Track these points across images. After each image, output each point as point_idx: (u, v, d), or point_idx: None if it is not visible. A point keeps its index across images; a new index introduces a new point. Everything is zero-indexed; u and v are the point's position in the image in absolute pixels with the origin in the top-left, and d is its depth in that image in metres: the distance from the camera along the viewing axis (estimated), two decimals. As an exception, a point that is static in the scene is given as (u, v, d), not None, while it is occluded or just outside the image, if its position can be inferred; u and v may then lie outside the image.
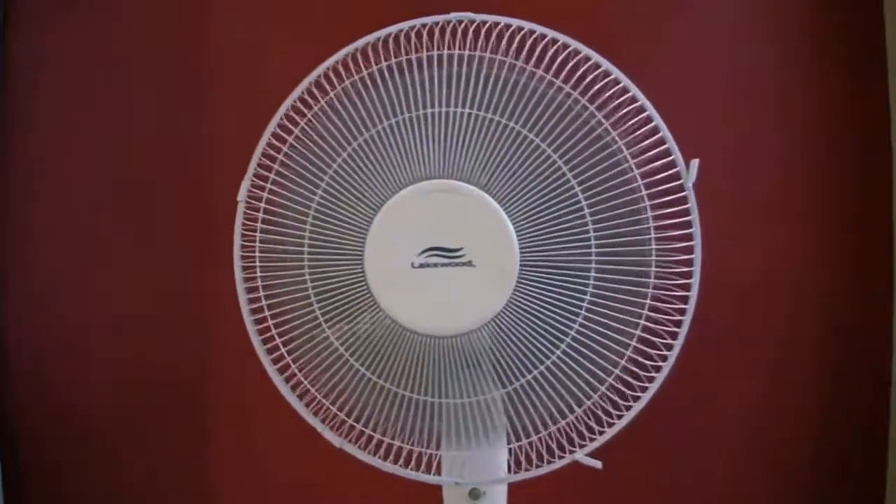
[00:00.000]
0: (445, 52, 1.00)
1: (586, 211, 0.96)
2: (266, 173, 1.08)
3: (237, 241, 1.07)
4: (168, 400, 1.82)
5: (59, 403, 1.86)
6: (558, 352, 0.98)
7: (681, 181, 0.98)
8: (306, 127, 1.04)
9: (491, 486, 1.09)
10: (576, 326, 0.98)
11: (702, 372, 1.65)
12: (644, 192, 0.97)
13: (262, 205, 1.07)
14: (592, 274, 0.96)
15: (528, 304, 0.97)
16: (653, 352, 1.00)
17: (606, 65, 0.98)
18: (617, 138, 0.97)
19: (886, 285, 1.64)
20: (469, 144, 0.97)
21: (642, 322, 0.99)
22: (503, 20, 1.00)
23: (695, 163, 0.97)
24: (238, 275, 1.07)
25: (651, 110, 0.98)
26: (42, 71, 1.84)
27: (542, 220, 0.97)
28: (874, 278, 1.65)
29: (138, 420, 1.84)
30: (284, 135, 1.07)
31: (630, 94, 0.98)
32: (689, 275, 0.99)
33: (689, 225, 0.98)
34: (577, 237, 0.96)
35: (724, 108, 1.66)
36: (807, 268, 1.66)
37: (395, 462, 1.06)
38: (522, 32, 0.99)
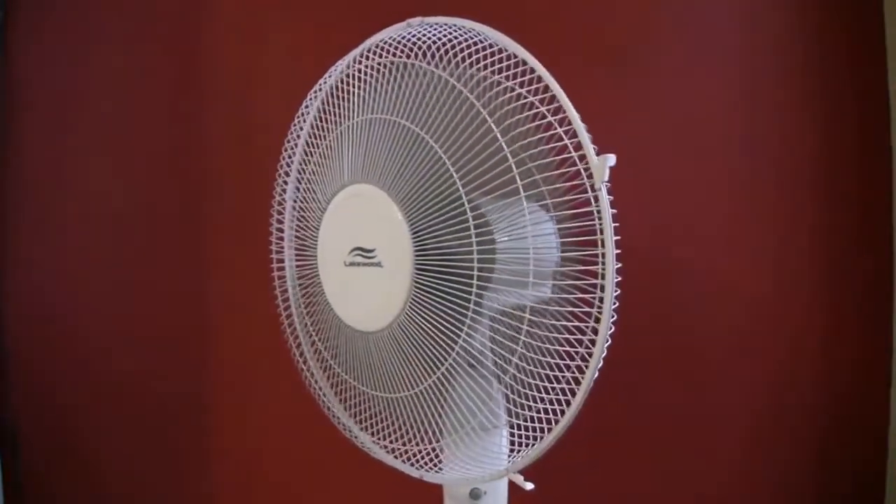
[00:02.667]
0: (398, 59, 1.06)
1: (469, 214, 0.97)
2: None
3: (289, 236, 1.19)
4: (167, 401, 1.87)
5: (59, 405, 1.91)
6: (451, 358, 1.01)
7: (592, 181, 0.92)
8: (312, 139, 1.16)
9: (491, 485, 1.13)
10: (462, 335, 1.00)
11: (701, 374, 1.68)
12: (522, 193, 0.96)
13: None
14: (475, 281, 0.97)
15: (424, 307, 1.00)
16: (570, 363, 0.97)
17: (522, 52, 0.97)
18: (500, 138, 0.96)
19: (887, 286, 1.65)
20: (382, 148, 1.03)
21: (525, 327, 0.98)
22: (454, 22, 1.05)
23: (607, 159, 0.91)
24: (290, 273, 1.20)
25: (565, 102, 0.93)
26: (42, 71, 1.90)
27: (433, 221, 0.99)
28: (875, 279, 1.67)
29: (138, 422, 1.90)
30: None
31: (543, 83, 0.95)
32: (594, 287, 0.94)
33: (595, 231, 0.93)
34: (462, 239, 0.97)
35: (724, 109, 1.70)
36: (807, 269, 1.69)
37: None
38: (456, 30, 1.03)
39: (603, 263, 0.93)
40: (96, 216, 1.92)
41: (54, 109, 1.91)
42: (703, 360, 1.66)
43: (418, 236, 1.00)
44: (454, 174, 0.98)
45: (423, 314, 1.00)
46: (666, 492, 1.71)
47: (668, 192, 1.59)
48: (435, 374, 1.02)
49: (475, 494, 1.14)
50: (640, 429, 1.63)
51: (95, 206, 1.92)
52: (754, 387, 1.68)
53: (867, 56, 1.62)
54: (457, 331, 0.99)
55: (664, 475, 1.70)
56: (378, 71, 1.07)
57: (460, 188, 0.97)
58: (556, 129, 0.93)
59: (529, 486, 1.02)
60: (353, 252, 1.05)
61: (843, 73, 1.63)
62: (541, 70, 0.96)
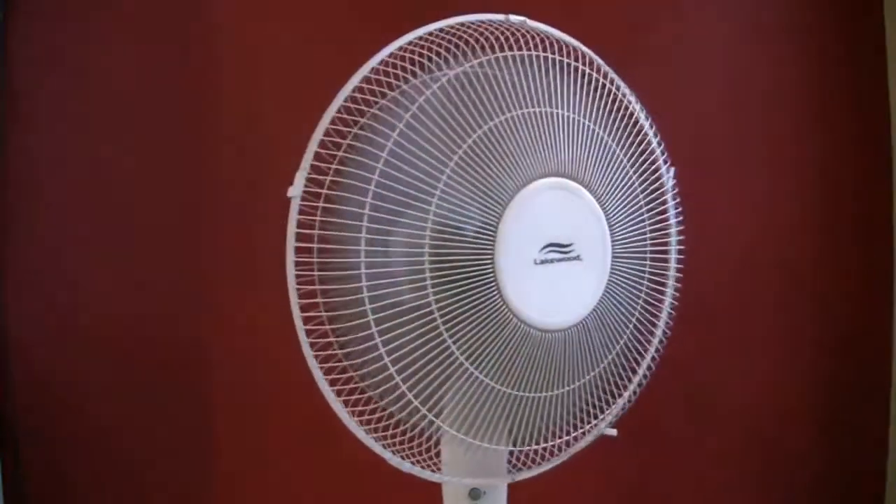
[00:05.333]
0: (525, 52, 1.09)
1: (643, 207, 1.14)
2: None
3: (291, 241, 1.00)
4: (168, 401, 1.94)
5: (58, 403, 1.94)
6: (627, 332, 1.14)
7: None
8: (412, 121, 1.02)
9: (494, 485, 1.16)
10: (638, 306, 1.16)
11: (701, 373, 1.77)
12: (671, 193, 1.18)
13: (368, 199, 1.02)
14: (648, 259, 1.15)
15: (615, 290, 1.12)
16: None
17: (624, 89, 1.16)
18: (662, 150, 1.18)
19: (887, 286, 1.78)
20: (570, 145, 1.07)
21: (669, 293, 1.20)
22: (554, 33, 1.12)
23: (672, 170, 1.18)
24: (291, 282, 1.00)
25: (645, 124, 1.17)
26: (42, 71, 1.93)
27: (623, 213, 1.12)
28: (875, 279, 1.79)
29: (138, 421, 1.95)
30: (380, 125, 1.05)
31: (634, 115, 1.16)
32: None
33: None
34: (640, 228, 1.14)
35: (726, 110, 1.79)
36: (808, 269, 1.79)
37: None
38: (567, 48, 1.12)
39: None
40: (97, 214, 1.92)
41: (55, 109, 1.95)
42: (703, 359, 1.75)
43: (612, 227, 1.11)
44: (635, 182, 1.14)
45: (614, 298, 1.12)
46: (663, 491, 1.78)
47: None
48: (607, 358, 1.13)
49: (475, 495, 1.17)
50: (635, 433, 1.67)
51: (96, 205, 1.90)
52: (754, 387, 1.78)
53: (867, 56, 1.74)
54: (632, 308, 1.14)
55: (662, 474, 1.79)
56: (533, 61, 1.09)
57: (641, 199, 1.15)
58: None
59: (614, 432, 1.17)
60: (547, 249, 1.05)
61: (843, 73, 1.75)
62: (624, 88, 1.17)
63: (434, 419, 1.04)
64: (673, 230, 1.19)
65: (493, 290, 1.02)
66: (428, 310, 1.00)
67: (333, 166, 1.01)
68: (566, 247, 1.07)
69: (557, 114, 1.07)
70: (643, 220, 1.14)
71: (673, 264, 1.19)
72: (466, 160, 1.01)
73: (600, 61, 1.14)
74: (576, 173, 1.07)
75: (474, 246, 1.01)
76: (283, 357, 1.71)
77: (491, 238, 1.01)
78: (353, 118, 1.02)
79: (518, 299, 1.03)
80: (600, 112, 1.11)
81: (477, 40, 1.06)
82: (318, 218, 1.01)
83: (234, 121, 1.90)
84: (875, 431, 1.80)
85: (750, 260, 1.81)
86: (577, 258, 1.07)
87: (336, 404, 1.02)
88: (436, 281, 1.00)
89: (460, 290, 1.00)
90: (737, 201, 1.81)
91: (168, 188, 1.91)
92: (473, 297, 1.01)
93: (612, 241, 1.11)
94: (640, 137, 1.15)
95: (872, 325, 1.80)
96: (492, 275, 1.02)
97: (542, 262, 1.05)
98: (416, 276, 1.00)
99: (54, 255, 1.94)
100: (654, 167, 1.16)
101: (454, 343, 1.01)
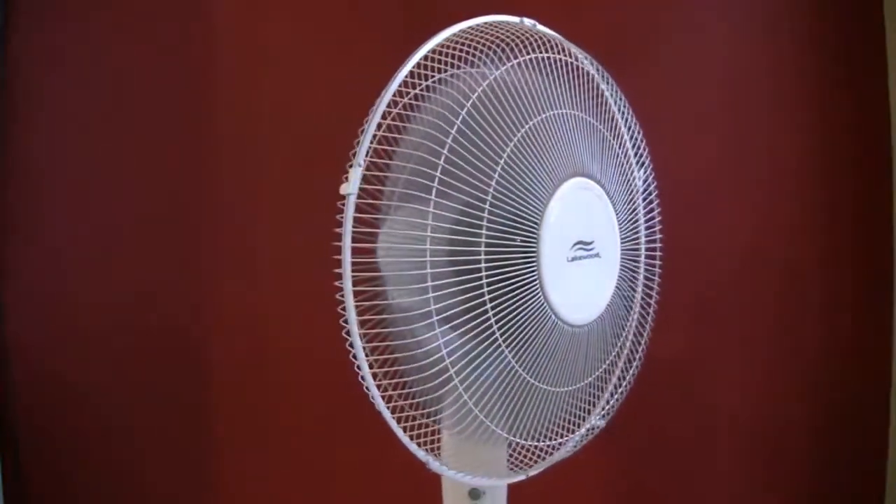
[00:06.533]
0: (544, 55, 1.11)
1: (640, 205, 1.20)
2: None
3: (347, 241, 0.98)
4: (168, 401, 1.97)
5: (58, 403, 1.97)
6: (628, 321, 1.18)
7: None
8: (468, 118, 1.03)
9: (492, 485, 1.18)
10: (637, 296, 1.20)
11: (701, 374, 1.80)
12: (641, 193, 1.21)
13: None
14: (643, 256, 1.21)
15: (621, 286, 1.16)
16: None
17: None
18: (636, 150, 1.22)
19: (887, 287, 1.81)
20: (587, 145, 1.11)
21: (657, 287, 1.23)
22: (556, 37, 1.14)
23: (643, 172, 1.24)
24: (347, 282, 0.98)
25: (620, 121, 1.21)
26: (42, 71, 1.96)
27: (625, 211, 1.17)
28: (875, 280, 1.82)
29: (138, 420, 1.98)
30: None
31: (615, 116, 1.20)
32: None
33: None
34: (635, 226, 1.19)
35: (726, 110, 1.82)
36: (808, 268, 1.82)
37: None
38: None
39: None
40: (97, 213, 1.94)
41: (55, 109, 1.98)
42: (703, 359, 1.77)
43: (620, 225, 1.15)
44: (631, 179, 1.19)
45: (621, 293, 1.16)
46: (663, 492, 1.80)
47: (667, 194, 1.69)
48: (619, 340, 1.18)
49: (474, 495, 1.19)
50: (632, 430, 1.67)
51: (97, 204, 1.94)
52: (754, 387, 1.80)
53: (867, 56, 1.77)
54: (631, 300, 1.19)
55: (661, 475, 1.80)
56: (552, 63, 1.12)
57: (638, 198, 1.20)
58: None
59: (602, 423, 1.21)
60: (576, 246, 1.08)
61: (843, 73, 1.77)
62: (607, 96, 1.20)
63: (480, 415, 1.06)
64: (642, 230, 1.23)
65: (536, 289, 1.04)
66: (482, 309, 1.02)
67: (367, 159, 1.01)
68: (589, 244, 1.10)
69: (576, 115, 1.10)
70: (638, 219, 1.20)
71: (643, 259, 1.23)
72: (514, 159, 1.04)
73: (587, 63, 1.16)
74: (594, 173, 1.11)
75: (523, 246, 1.03)
76: (284, 357, 1.75)
77: (535, 237, 1.04)
78: (403, 112, 1.03)
79: (554, 296, 1.06)
80: (602, 113, 1.16)
81: (494, 43, 1.09)
82: (344, 216, 0.99)
83: (234, 120, 1.92)
84: (875, 431, 1.82)
85: (750, 260, 1.83)
86: (597, 255, 1.11)
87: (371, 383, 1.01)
88: (490, 280, 1.01)
89: (509, 289, 1.02)
90: (737, 201, 1.84)
91: (168, 188, 1.93)
92: (520, 296, 1.03)
93: (620, 239, 1.15)
94: (621, 140, 1.20)
95: (872, 325, 1.82)
96: (535, 273, 1.04)
97: (573, 259, 1.08)
98: (470, 276, 1.01)
99: (54, 255, 1.95)
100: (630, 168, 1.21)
101: (504, 343, 1.03)
